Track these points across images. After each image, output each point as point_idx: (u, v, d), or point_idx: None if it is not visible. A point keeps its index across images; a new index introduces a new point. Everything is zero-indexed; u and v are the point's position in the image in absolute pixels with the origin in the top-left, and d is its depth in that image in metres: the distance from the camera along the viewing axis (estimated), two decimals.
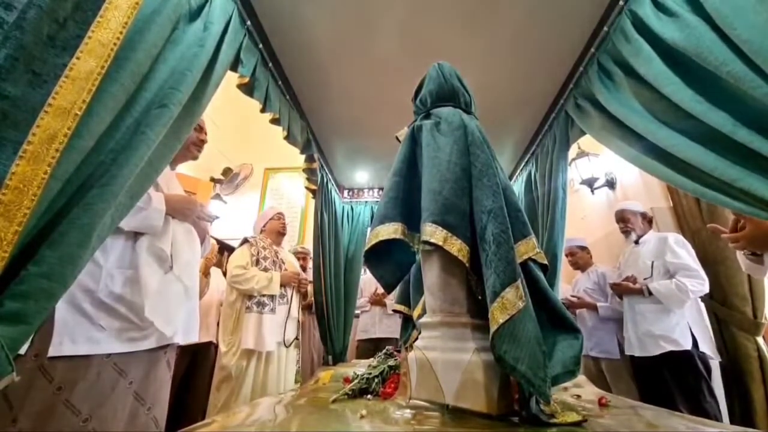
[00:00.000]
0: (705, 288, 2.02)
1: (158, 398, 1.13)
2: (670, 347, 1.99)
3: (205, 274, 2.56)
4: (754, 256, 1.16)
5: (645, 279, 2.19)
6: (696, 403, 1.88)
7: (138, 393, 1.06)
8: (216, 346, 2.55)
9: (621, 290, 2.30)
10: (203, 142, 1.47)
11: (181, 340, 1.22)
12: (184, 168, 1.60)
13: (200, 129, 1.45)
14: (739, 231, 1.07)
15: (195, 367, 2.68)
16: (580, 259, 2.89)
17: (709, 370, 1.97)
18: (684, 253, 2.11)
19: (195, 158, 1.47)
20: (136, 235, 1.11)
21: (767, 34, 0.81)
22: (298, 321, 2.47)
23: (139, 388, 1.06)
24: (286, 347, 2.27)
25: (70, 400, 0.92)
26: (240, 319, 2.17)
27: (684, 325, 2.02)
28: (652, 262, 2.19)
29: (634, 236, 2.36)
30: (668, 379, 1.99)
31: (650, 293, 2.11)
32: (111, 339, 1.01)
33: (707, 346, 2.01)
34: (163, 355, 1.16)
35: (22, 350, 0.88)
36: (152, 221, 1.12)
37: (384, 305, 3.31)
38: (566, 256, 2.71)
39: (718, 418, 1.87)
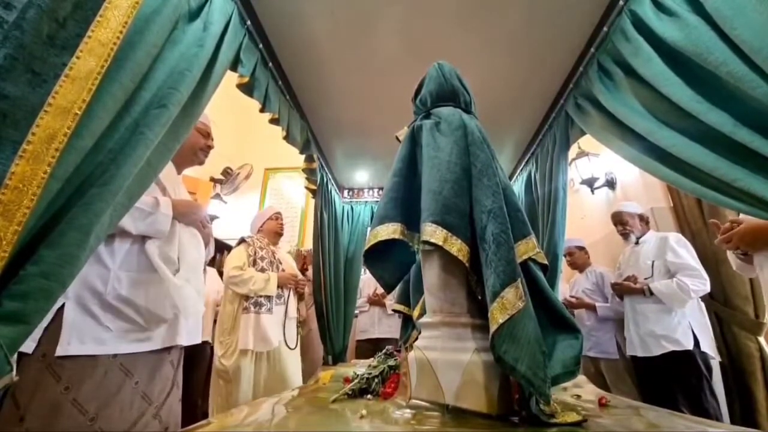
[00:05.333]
0: (706, 287, 2.02)
1: (163, 398, 1.14)
2: (672, 347, 1.99)
3: None
4: (744, 255, 1.18)
5: (646, 279, 2.19)
6: (697, 402, 1.88)
7: (144, 393, 1.07)
8: (212, 347, 2.54)
9: (622, 290, 2.30)
10: (210, 147, 1.48)
11: (185, 341, 1.22)
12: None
13: (207, 135, 1.46)
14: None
15: (191, 367, 2.68)
16: (578, 260, 2.89)
17: (710, 369, 1.97)
18: (684, 252, 2.11)
19: (201, 163, 1.49)
20: (143, 239, 1.13)
21: (767, 34, 0.81)
22: (298, 321, 2.46)
23: (145, 389, 1.07)
24: (291, 349, 2.25)
25: (77, 400, 0.92)
26: (237, 319, 2.17)
27: (686, 325, 2.03)
28: (653, 262, 2.19)
29: (633, 238, 2.36)
30: (670, 378, 1.99)
31: (651, 293, 2.11)
32: (117, 339, 1.03)
33: (708, 346, 2.01)
34: (167, 356, 1.17)
35: (30, 350, 0.90)
36: (160, 225, 1.13)
37: (383, 305, 3.31)
38: (564, 256, 2.71)
39: (718, 418, 1.88)
